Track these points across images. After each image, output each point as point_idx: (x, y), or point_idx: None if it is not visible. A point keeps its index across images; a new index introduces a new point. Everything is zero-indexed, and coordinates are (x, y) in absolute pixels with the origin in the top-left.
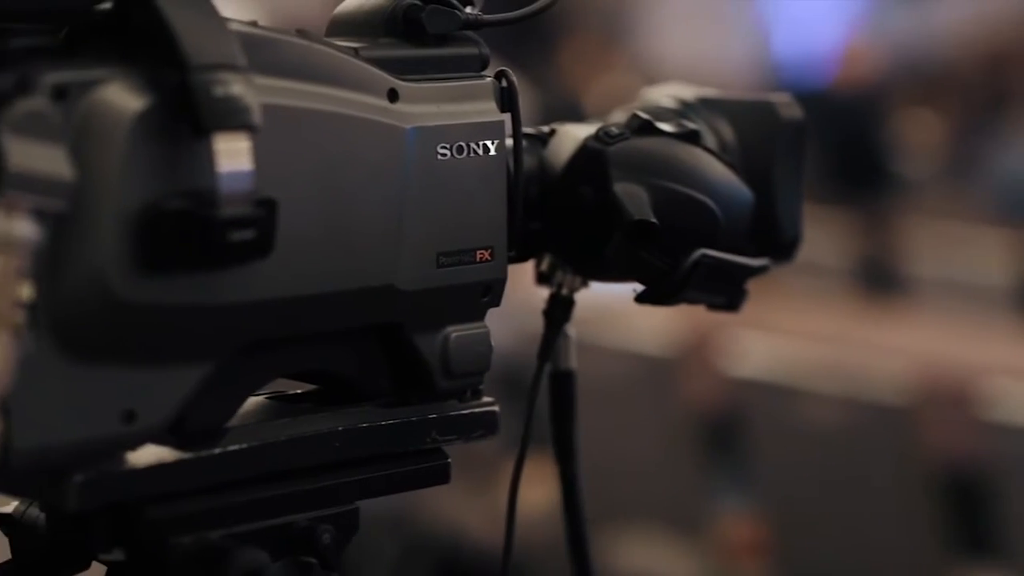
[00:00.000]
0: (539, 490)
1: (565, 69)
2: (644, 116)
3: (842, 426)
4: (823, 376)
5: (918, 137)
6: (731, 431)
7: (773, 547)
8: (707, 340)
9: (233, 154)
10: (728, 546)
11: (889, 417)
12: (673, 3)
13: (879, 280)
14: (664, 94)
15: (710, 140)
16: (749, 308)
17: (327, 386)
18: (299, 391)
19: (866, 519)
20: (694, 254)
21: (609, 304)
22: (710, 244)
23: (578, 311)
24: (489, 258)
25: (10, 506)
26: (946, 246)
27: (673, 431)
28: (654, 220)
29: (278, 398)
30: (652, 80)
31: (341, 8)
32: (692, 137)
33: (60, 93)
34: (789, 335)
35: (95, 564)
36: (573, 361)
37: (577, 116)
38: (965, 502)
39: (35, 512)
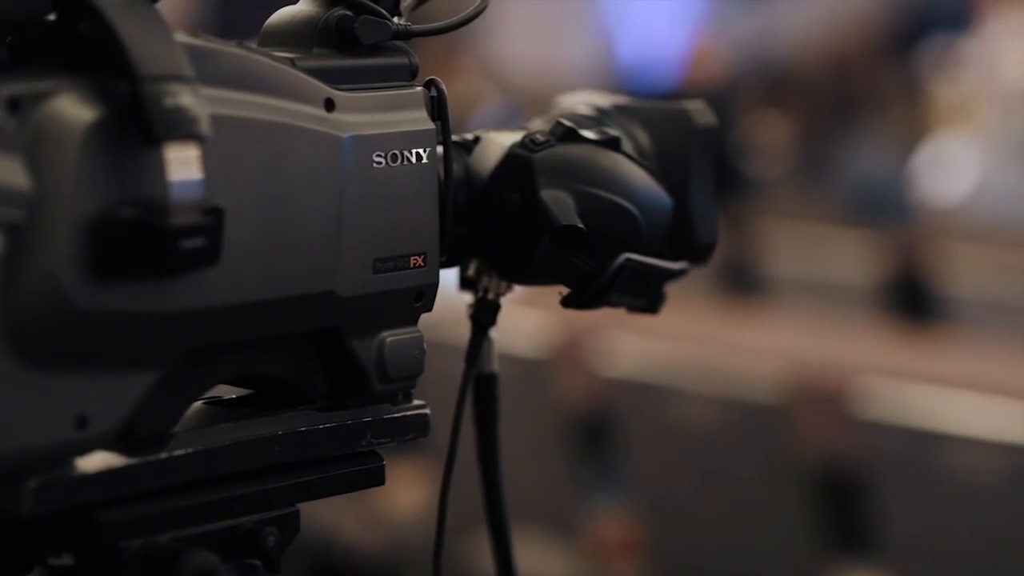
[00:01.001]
0: (412, 493)
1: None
2: (568, 124)
3: (715, 425)
4: (695, 376)
5: (767, 138)
6: (604, 431)
7: (647, 546)
8: (579, 341)
9: (183, 164)
10: (602, 545)
11: (762, 416)
12: (518, 7)
13: (739, 281)
14: (580, 101)
15: (628, 146)
16: (616, 310)
17: (262, 390)
18: (234, 396)
19: (740, 517)
20: (619, 258)
21: None
22: (632, 248)
23: (447, 313)
24: (422, 264)
25: None
26: (802, 246)
27: (546, 431)
28: (581, 225)
29: (216, 403)
30: (499, 83)
31: (273, 19)
32: (613, 144)
33: (13, 105)
34: (659, 336)
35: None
36: (495, 364)
37: None
38: (838, 500)
39: None
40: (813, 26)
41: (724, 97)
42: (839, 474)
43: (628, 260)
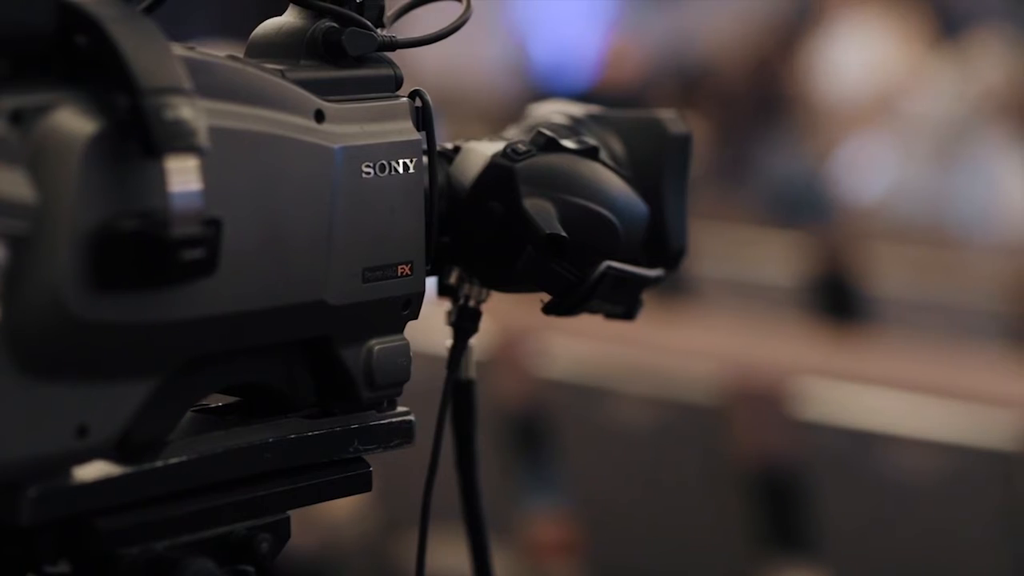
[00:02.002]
0: None
1: None
2: (548, 133)
3: (651, 426)
4: (631, 377)
5: None
6: (539, 432)
7: (582, 547)
8: (514, 343)
9: (183, 175)
10: (537, 546)
11: (697, 417)
12: (430, 7)
13: (667, 282)
14: (553, 110)
15: (605, 155)
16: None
17: (249, 397)
18: (221, 404)
19: (677, 518)
20: (600, 266)
21: None
22: (612, 256)
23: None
24: (409, 272)
25: None
26: (726, 247)
27: (481, 432)
28: (564, 234)
29: (206, 411)
30: (411, 82)
31: (259, 31)
32: (592, 153)
33: (15, 117)
34: (593, 338)
35: None
36: (473, 371)
37: None
38: (776, 500)
39: None
40: (729, 26)
41: (639, 98)
42: (775, 474)
43: (609, 268)
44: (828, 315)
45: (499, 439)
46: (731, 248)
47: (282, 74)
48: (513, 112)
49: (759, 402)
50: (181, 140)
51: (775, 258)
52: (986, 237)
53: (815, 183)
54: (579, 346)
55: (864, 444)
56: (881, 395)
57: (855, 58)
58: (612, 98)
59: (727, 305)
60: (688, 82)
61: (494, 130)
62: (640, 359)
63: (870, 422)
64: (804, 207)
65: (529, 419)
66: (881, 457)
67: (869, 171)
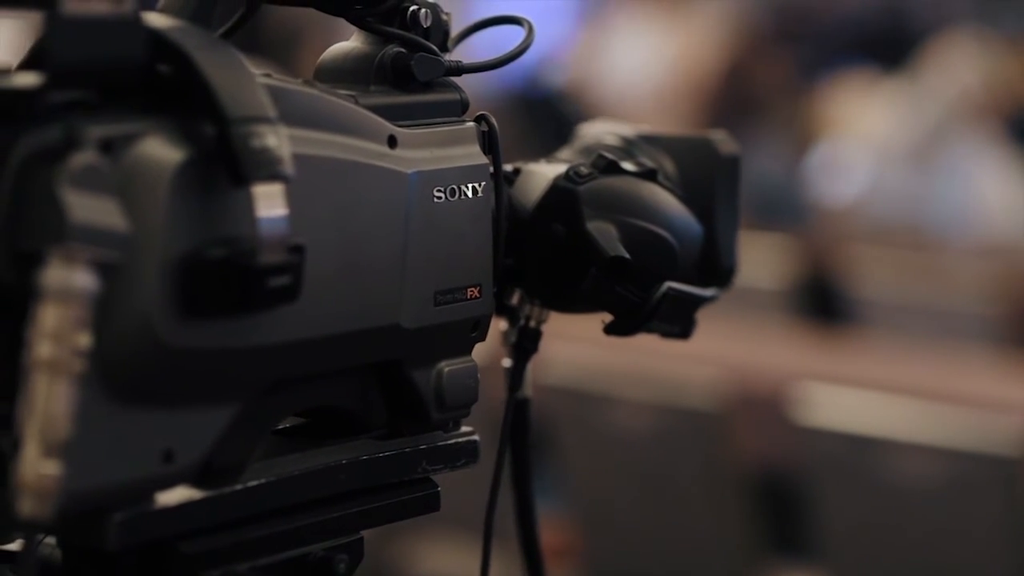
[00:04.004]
0: None
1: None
2: (609, 156)
3: (651, 432)
4: (630, 383)
5: None
6: (540, 437)
7: (583, 552)
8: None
9: (269, 203)
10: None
11: (698, 422)
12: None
13: None
14: (605, 131)
15: (661, 176)
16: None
17: (316, 418)
18: (289, 425)
19: (677, 523)
20: (662, 287)
21: None
22: (670, 276)
23: None
24: (478, 295)
25: (16, 543)
26: None
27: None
28: (627, 256)
29: (278, 432)
30: None
31: (327, 55)
32: (651, 175)
33: (106, 146)
34: (591, 344)
35: None
36: (530, 389)
37: None
38: (776, 505)
39: (46, 550)
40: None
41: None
42: (774, 480)
43: (670, 289)
44: (815, 318)
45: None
46: None
47: (355, 100)
48: (495, 112)
49: (759, 407)
50: (268, 168)
51: (758, 261)
52: (964, 239)
53: (792, 185)
54: (578, 352)
55: (864, 449)
56: (880, 400)
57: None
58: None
59: (716, 308)
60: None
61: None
62: (639, 365)
63: (870, 427)
64: (782, 209)
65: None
66: (881, 462)
67: (846, 173)
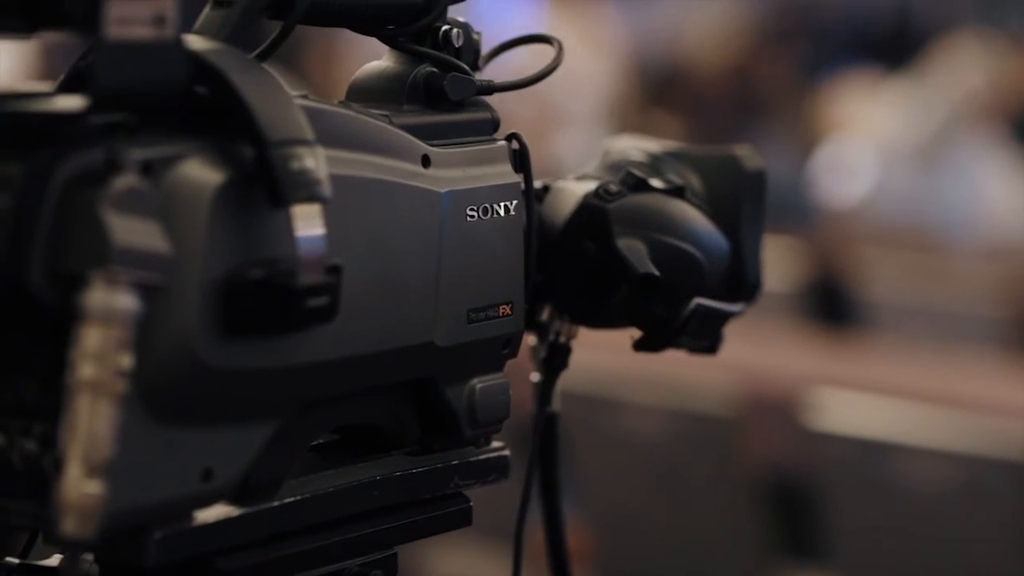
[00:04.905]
0: None
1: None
2: (639, 174)
3: (664, 436)
4: (642, 387)
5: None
6: None
7: (597, 556)
8: (525, 356)
9: (308, 225)
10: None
11: (710, 427)
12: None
13: None
14: (631, 147)
15: (688, 193)
16: None
17: (351, 435)
18: (321, 441)
19: (690, 528)
20: (691, 303)
21: None
22: (698, 292)
23: None
24: (510, 312)
25: (54, 559)
26: None
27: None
28: (657, 273)
29: (311, 449)
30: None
31: (360, 75)
32: (679, 192)
33: (147, 169)
34: (604, 349)
35: None
36: (558, 404)
37: None
38: (788, 510)
39: (84, 566)
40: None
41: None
42: (787, 484)
43: (699, 305)
44: (824, 321)
45: (512, 450)
46: None
47: (388, 120)
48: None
49: (770, 412)
50: (306, 190)
51: (766, 264)
52: (970, 241)
53: (798, 186)
54: (591, 357)
55: (875, 453)
56: (891, 404)
57: None
58: None
59: None
60: (659, 80)
61: None
62: (651, 370)
63: (880, 431)
64: (789, 211)
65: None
66: (892, 466)
67: (851, 174)
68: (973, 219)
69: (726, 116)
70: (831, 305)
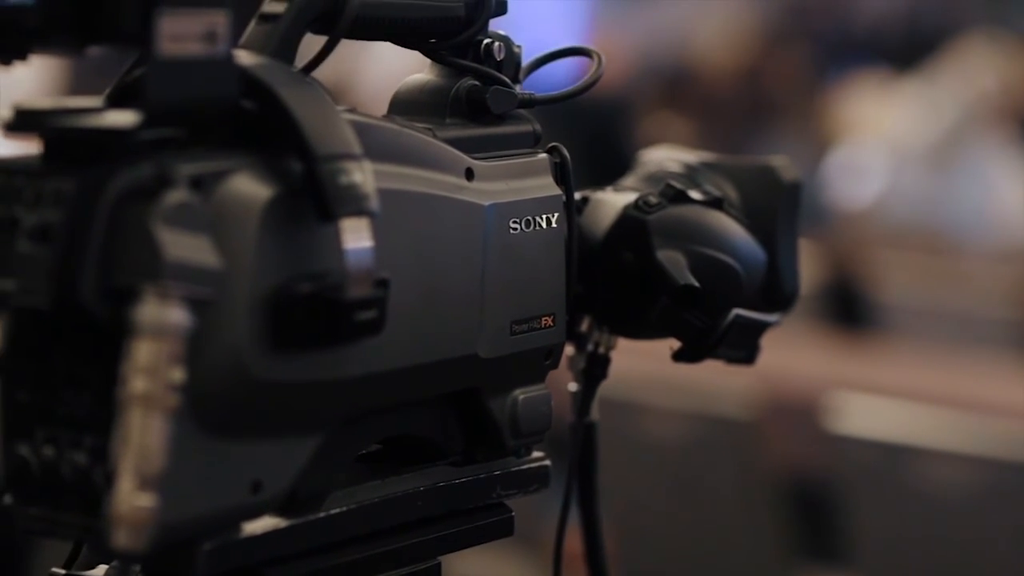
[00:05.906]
0: None
1: None
2: (678, 186)
3: (685, 440)
4: (663, 391)
5: (668, 141)
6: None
7: (618, 559)
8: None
9: (357, 239)
10: (569, 557)
11: (731, 430)
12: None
13: None
14: (667, 158)
15: (726, 204)
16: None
17: (395, 445)
18: (363, 452)
19: (710, 531)
20: (729, 314)
21: None
22: (736, 303)
23: None
24: (552, 324)
25: (99, 569)
26: None
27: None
28: (697, 285)
29: (356, 459)
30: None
31: (402, 88)
32: (717, 203)
33: (196, 183)
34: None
35: None
36: (596, 413)
37: None
38: (808, 513)
39: None
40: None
41: (621, 98)
42: (807, 487)
43: (737, 316)
44: (841, 323)
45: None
46: None
47: (432, 133)
48: None
49: (790, 415)
50: (355, 204)
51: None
52: (983, 243)
53: (811, 188)
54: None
55: (895, 457)
56: (910, 408)
57: None
58: (593, 97)
59: None
60: (670, 82)
61: None
62: (672, 374)
63: (900, 435)
64: (803, 213)
65: (562, 432)
66: (912, 470)
67: (864, 176)
68: (986, 221)
69: (736, 118)
70: (847, 308)
